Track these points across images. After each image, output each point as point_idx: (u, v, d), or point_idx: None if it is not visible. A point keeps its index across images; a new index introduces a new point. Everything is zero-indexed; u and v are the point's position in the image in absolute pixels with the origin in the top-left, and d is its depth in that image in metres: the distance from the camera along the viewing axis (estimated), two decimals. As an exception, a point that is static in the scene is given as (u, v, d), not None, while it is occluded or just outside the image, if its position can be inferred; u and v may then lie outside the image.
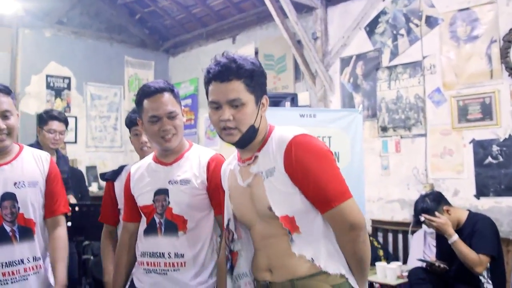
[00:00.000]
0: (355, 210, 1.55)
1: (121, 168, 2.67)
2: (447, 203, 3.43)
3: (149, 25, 7.57)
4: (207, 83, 1.66)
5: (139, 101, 2.06)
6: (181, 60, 7.70)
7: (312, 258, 1.56)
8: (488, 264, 3.19)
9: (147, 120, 2.03)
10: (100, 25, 7.11)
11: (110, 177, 2.64)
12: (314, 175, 1.54)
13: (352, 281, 1.59)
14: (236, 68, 1.59)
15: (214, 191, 2.01)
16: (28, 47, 6.32)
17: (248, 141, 1.64)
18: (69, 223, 3.03)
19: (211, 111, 1.65)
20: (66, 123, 3.67)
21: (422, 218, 3.32)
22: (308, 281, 1.56)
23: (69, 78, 6.66)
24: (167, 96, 2.03)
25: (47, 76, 6.46)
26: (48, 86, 6.47)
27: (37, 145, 3.54)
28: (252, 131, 1.62)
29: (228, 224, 1.77)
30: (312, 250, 1.57)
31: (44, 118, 3.59)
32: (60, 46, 6.61)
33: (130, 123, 2.59)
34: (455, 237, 3.19)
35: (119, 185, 2.54)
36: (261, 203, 1.61)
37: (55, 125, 3.56)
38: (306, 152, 1.56)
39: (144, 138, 2.51)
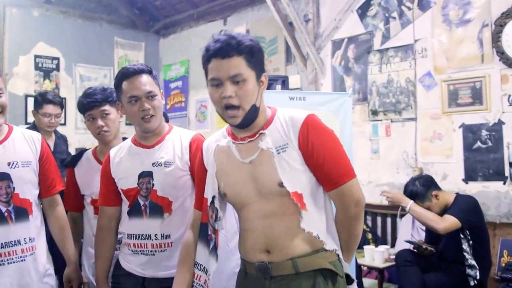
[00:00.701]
0: (359, 188, 1.64)
1: (80, 153, 2.57)
2: (436, 187, 3.46)
3: (139, 5, 7.46)
4: (207, 61, 1.62)
5: (118, 83, 2.06)
6: (171, 41, 7.62)
7: (317, 235, 1.59)
8: (471, 241, 3.23)
9: (126, 101, 2.03)
10: (89, 5, 6.98)
11: (70, 163, 2.55)
12: (328, 153, 1.59)
13: (341, 257, 1.65)
14: (236, 44, 1.57)
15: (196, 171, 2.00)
16: (16, 26, 6.21)
17: (251, 121, 1.63)
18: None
19: (212, 89, 1.62)
20: (61, 106, 3.69)
21: (382, 192, 3.49)
22: (309, 259, 1.59)
23: (57, 59, 6.56)
24: (145, 77, 2.04)
25: (36, 56, 6.36)
26: (37, 67, 6.37)
27: (34, 127, 3.59)
28: (254, 110, 1.61)
29: (212, 202, 1.73)
30: (317, 227, 1.60)
31: (39, 102, 3.61)
32: (49, 26, 6.50)
33: (83, 108, 2.43)
34: (409, 203, 3.27)
35: (80, 171, 2.49)
36: (269, 179, 1.60)
37: (50, 108, 3.59)
38: (320, 131, 1.61)
39: (100, 122, 2.39)
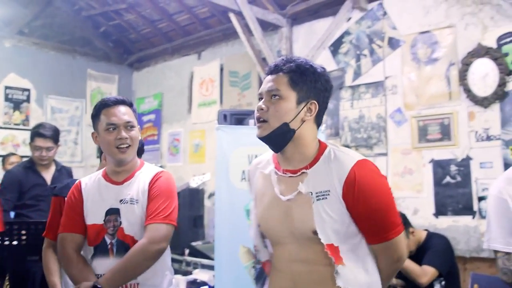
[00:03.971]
0: (404, 244, 1.58)
1: (70, 183, 2.52)
2: (410, 225, 3.48)
3: (114, 38, 7.48)
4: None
5: (96, 112, 2.05)
6: (145, 74, 7.62)
7: None
8: (443, 282, 3.24)
9: (103, 129, 2.01)
10: (63, 37, 6.96)
11: (60, 192, 2.52)
12: (376, 206, 1.50)
13: None
14: (285, 62, 1.59)
15: (150, 202, 1.98)
16: (-14, 57, 6.13)
17: (280, 140, 1.56)
18: (24, 242, 2.93)
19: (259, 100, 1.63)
20: (53, 139, 3.62)
21: None
22: None
23: (28, 90, 6.48)
24: (125, 108, 2.05)
25: (6, 87, 6.27)
26: (7, 98, 6.27)
27: (31, 163, 3.67)
28: (286, 130, 1.54)
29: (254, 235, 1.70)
30: (357, 283, 1.51)
31: (31, 134, 3.66)
32: (21, 57, 6.43)
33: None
34: None
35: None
36: (304, 224, 1.51)
37: (40, 142, 3.58)
38: (369, 181, 1.50)
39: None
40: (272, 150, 1.62)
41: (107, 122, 2.00)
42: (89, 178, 2.15)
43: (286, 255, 1.57)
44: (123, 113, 2.02)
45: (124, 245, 1.97)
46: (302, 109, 1.56)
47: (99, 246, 1.99)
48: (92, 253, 2.01)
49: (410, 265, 3.20)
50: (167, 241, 1.97)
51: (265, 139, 1.57)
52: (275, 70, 1.59)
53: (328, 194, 1.50)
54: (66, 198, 2.44)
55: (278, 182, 1.60)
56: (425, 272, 3.18)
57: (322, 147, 1.60)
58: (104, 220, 1.99)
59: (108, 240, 1.98)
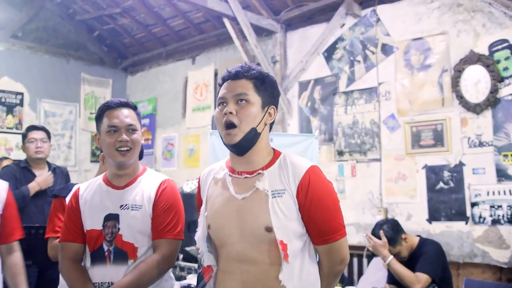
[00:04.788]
0: (347, 247, 1.65)
1: (71, 185, 2.55)
2: (403, 230, 3.48)
3: (108, 42, 7.48)
4: (220, 86, 1.68)
5: (99, 114, 2.04)
6: (139, 79, 7.62)
7: None
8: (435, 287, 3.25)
9: (105, 131, 2.00)
10: (57, 41, 6.95)
11: (59, 193, 2.53)
12: (325, 208, 1.58)
13: None
14: (248, 69, 1.64)
15: (159, 215, 1.98)
16: (-20, 61, 6.11)
17: (248, 145, 1.61)
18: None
19: (218, 109, 1.64)
20: (46, 132, 3.73)
21: (365, 235, 3.40)
22: None
23: (22, 94, 6.45)
24: (129, 111, 2.04)
25: (-1, 91, 6.25)
26: (0, 102, 6.25)
27: (26, 163, 3.69)
28: (254, 135, 1.60)
29: (197, 239, 1.72)
30: (294, 283, 1.56)
31: (24, 133, 3.71)
32: (14, 61, 6.41)
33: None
34: (389, 258, 3.27)
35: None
36: (257, 221, 1.57)
37: (34, 134, 3.65)
38: (320, 185, 1.60)
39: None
40: (237, 154, 1.65)
41: (109, 124, 1.98)
42: (88, 184, 2.12)
43: (234, 255, 1.61)
44: (125, 115, 2.00)
45: (121, 252, 1.94)
46: (265, 113, 1.64)
47: (96, 252, 1.97)
48: (91, 260, 1.99)
49: (404, 271, 3.21)
50: (176, 256, 2.03)
51: (237, 145, 1.60)
52: (237, 75, 1.64)
53: (284, 193, 1.58)
54: (66, 198, 2.45)
55: (233, 183, 1.65)
56: (419, 279, 3.19)
57: (276, 152, 1.70)
58: (102, 226, 1.97)
59: (105, 247, 1.95)
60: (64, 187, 2.60)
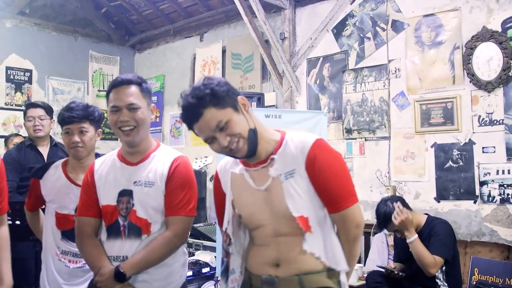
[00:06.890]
0: (361, 212, 1.74)
1: (48, 165, 2.52)
2: (408, 208, 3.46)
3: (115, 19, 7.43)
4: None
5: (108, 92, 2.04)
6: (147, 56, 7.58)
7: (319, 256, 1.67)
8: (444, 267, 3.25)
9: (109, 110, 2.00)
10: (64, 18, 6.90)
11: (35, 174, 2.50)
12: (334, 177, 1.67)
13: (343, 281, 1.72)
14: (203, 95, 1.61)
15: (171, 192, 1.98)
16: (-13, 37, 6.10)
17: (255, 145, 1.68)
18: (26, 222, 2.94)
19: (211, 146, 1.68)
20: (45, 108, 3.60)
21: (395, 205, 3.30)
22: (314, 277, 1.67)
23: (30, 71, 6.45)
24: (132, 88, 1.99)
25: (7, 68, 6.23)
26: (8, 79, 6.25)
27: (30, 140, 3.62)
28: (253, 134, 1.67)
29: (226, 228, 1.80)
30: (321, 248, 1.68)
31: (24, 111, 3.65)
32: (22, 38, 6.39)
33: (62, 121, 2.38)
34: (414, 236, 3.22)
35: (46, 184, 2.45)
36: (279, 205, 1.67)
37: (31, 112, 3.56)
38: (327, 155, 1.68)
39: (76, 138, 2.35)
40: (248, 158, 1.72)
41: (111, 105, 1.99)
42: (103, 159, 2.13)
43: (268, 233, 1.72)
44: (127, 94, 1.97)
45: (135, 227, 1.96)
46: (241, 110, 1.68)
47: (112, 227, 1.99)
48: (106, 234, 2.01)
49: (425, 253, 3.16)
50: (188, 233, 2.06)
51: (248, 154, 1.67)
52: (199, 104, 1.61)
53: (294, 173, 1.67)
54: (40, 180, 2.46)
55: (251, 177, 1.75)
56: (436, 263, 3.17)
57: (281, 133, 1.75)
58: (116, 201, 1.98)
59: (120, 222, 1.98)
60: (41, 167, 2.54)
